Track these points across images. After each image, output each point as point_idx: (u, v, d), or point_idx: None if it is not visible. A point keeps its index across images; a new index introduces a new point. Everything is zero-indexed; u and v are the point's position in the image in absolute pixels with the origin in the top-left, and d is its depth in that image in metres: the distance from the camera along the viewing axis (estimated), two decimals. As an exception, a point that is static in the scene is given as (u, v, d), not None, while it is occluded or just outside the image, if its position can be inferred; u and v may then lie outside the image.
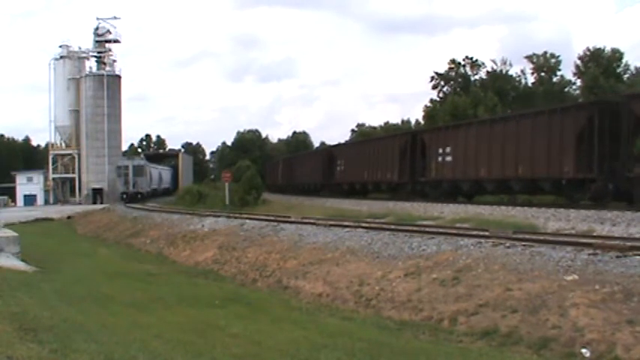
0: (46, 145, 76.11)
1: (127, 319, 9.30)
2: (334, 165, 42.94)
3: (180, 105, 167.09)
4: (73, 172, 66.77)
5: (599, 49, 59.56)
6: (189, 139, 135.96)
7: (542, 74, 63.71)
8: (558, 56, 64.16)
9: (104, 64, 66.51)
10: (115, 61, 67.45)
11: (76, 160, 66.30)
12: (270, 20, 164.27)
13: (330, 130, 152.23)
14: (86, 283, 14.06)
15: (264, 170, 67.80)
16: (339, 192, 40.58)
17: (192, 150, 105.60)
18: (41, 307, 8.78)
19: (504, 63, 64.51)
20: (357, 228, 16.92)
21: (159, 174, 69.10)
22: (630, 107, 19.86)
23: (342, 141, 73.48)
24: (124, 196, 56.44)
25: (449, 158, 28.30)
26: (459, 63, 65.46)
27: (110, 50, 67.67)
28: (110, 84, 65.19)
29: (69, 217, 45.95)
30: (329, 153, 46.35)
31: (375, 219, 21.24)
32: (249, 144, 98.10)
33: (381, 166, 34.78)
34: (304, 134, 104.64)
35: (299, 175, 52.14)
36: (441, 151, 28.99)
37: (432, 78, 66.27)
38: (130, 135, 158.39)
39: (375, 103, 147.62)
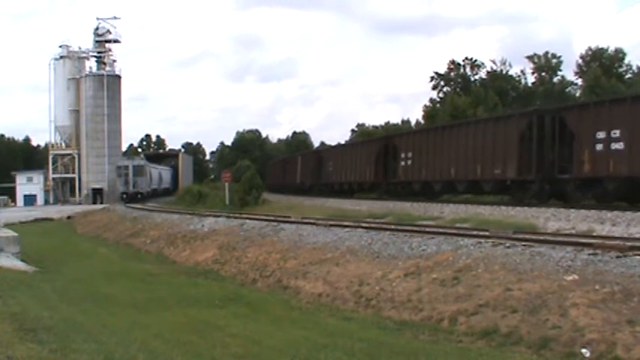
0: (46, 145, 76.11)
1: (127, 319, 9.30)
2: (324, 166, 45.36)
3: (180, 105, 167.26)
4: (73, 172, 66.75)
5: (602, 48, 59.66)
6: (189, 139, 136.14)
7: (543, 74, 63.78)
8: (559, 56, 64.34)
9: (104, 64, 66.49)
10: (115, 61, 67.47)
11: (76, 160, 66.28)
12: (271, 20, 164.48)
13: (331, 130, 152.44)
14: (86, 283, 14.08)
15: (264, 170, 67.87)
16: (329, 191, 42.80)
17: (192, 150, 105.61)
18: (41, 307, 8.79)
19: (504, 63, 64.64)
20: (357, 228, 16.91)
21: (159, 174, 69.08)
22: (561, 116, 21.88)
23: (342, 141, 73.68)
24: (124, 196, 56.42)
25: (410, 162, 31.49)
26: (459, 64, 65.55)
27: (110, 50, 67.65)
28: (110, 84, 65.17)
29: (69, 217, 45.95)
30: (318, 155, 49.33)
31: (375, 219, 21.23)
32: (248, 144, 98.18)
33: (360, 168, 37.87)
34: (304, 134, 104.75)
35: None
36: (403, 155, 32.19)
37: (432, 78, 66.42)
38: (130, 135, 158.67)
39: (375, 103, 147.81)
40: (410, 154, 31.40)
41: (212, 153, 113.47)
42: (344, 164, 40.66)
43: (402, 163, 32.20)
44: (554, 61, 63.95)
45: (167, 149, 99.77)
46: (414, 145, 31.29)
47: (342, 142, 70.04)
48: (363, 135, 71.40)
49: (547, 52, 64.51)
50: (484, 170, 25.16)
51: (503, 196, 25.92)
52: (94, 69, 67.14)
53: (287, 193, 50.95)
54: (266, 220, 22.30)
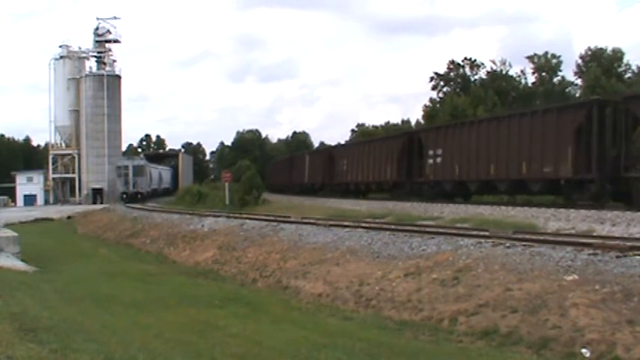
0: (46, 145, 76.12)
1: (127, 319, 9.31)
2: (337, 165, 42.44)
3: (180, 105, 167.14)
4: (73, 172, 66.76)
5: (601, 49, 59.66)
6: (189, 139, 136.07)
7: (543, 74, 63.78)
8: (559, 56, 64.30)
9: (104, 64, 66.51)
10: (115, 61, 67.50)
11: (76, 160, 66.29)
12: (272, 21, 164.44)
13: (331, 130, 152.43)
14: (86, 283, 14.08)
15: (265, 170, 67.80)
16: (342, 192, 40.38)
17: (193, 150, 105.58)
18: (41, 307, 8.79)
19: (504, 63, 64.64)
20: (357, 228, 16.91)
21: (159, 174, 69.07)
22: (628, 107, 19.79)
23: (342, 141, 73.44)
24: (124, 196, 56.41)
25: (439, 159, 28.63)
26: (459, 64, 65.54)
27: (110, 50, 67.66)
28: (110, 84, 65.19)
29: (69, 217, 45.96)
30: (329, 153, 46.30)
31: (375, 219, 21.23)
32: (248, 144, 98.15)
33: (379, 167, 34.86)
34: (304, 134, 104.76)
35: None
36: (431, 152, 29.33)
37: (432, 78, 66.39)
38: (130, 135, 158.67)
39: (375, 103, 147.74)
40: (439, 151, 28.47)
41: (212, 153, 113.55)
42: (360, 163, 37.57)
43: (430, 160, 29.14)
44: (554, 61, 63.95)
45: (167, 149, 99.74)
46: (445, 141, 28.23)
47: (346, 140, 69.82)
48: (363, 135, 71.13)
49: (547, 53, 64.53)
50: (531, 168, 22.48)
51: (555, 197, 23.52)
52: (94, 69, 67.16)
53: (293, 194, 49.05)
54: (266, 220, 22.30)
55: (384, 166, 34.10)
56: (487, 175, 24.98)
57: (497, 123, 25.34)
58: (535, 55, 64.68)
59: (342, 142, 67.90)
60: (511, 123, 24.17)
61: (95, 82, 64.92)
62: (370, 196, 37.47)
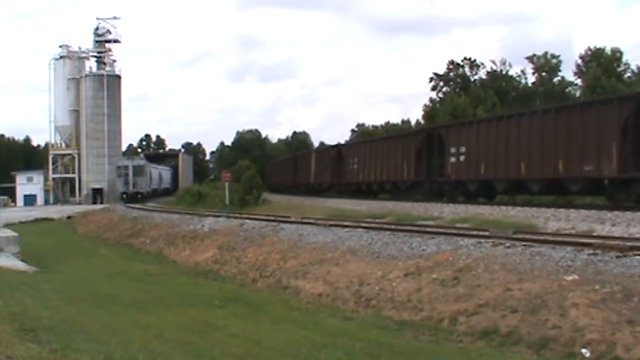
0: (46, 145, 76.13)
1: (127, 319, 9.31)
2: (346, 164, 39.86)
3: (180, 105, 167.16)
4: (73, 172, 66.77)
5: (600, 49, 59.69)
6: (189, 139, 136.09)
7: (543, 74, 63.81)
8: (558, 56, 64.34)
9: (104, 64, 66.51)
10: (115, 61, 67.52)
11: (76, 160, 66.29)
12: (272, 21, 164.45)
13: (331, 130, 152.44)
14: (86, 283, 14.08)
15: (265, 170, 67.73)
16: (353, 192, 38.13)
17: (193, 150, 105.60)
18: (41, 307, 8.78)
19: (504, 63, 64.66)
20: (357, 228, 16.91)
21: (159, 174, 69.07)
22: None
23: (342, 141, 73.09)
24: (124, 196, 56.40)
25: (462, 157, 26.69)
26: (458, 64, 65.53)
27: (110, 50, 67.67)
28: (110, 84, 65.20)
29: (69, 217, 45.96)
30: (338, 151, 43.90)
31: (375, 219, 21.22)
32: (248, 144, 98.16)
33: (394, 166, 32.62)
34: (304, 134, 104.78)
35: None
36: (453, 150, 27.31)
37: (431, 79, 66.37)
38: (130, 135, 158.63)
39: (375, 103, 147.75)
40: (463, 149, 26.33)
41: (212, 153, 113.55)
42: (373, 161, 35.16)
43: (452, 158, 26.98)
44: (554, 61, 63.98)
45: (167, 149, 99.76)
46: (468, 138, 26.18)
47: (346, 140, 69.11)
48: (363, 135, 70.91)
49: (546, 53, 64.58)
50: (569, 166, 20.60)
51: (597, 197, 22.22)
52: (94, 69, 67.17)
53: (297, 194, 47.13)
54: (266, 220, 22.30)
55: (400, 164, 31.88)
56: (518, 174, 23.13)
57: (529, 118, 23.38)
58: (534, 55, 64.75)
59: (345, 141, 67.19)
60: (545, 118, 22.29)
61: (95, 82, 64.93)
62: (382, 196, 35.54)
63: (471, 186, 26.08)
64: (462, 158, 26.40)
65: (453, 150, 27.01)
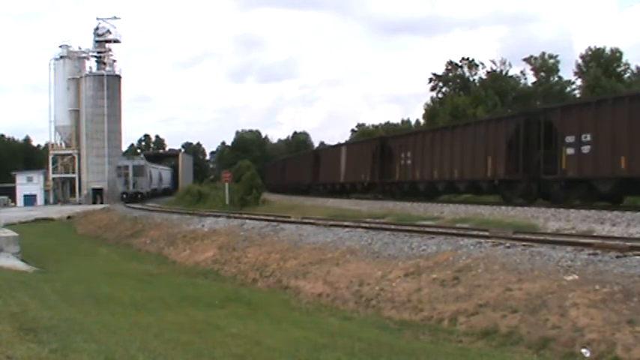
0: (46, 145, 76.15)
1: (127, 319, 9.29)
2: (395, 159, 33.95)
3: (181, 105, 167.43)
4: (73, 172, 66.79)
5: (600, 49, 59.69)
6: (189, 139, 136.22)
7: (543, 74, 63.81)
8: (556, 56, 64.33)
9: (104, 64, 66.53)
10: (115, 61, 67.58)
11: (76, 160, 66.32)
12: (272, 21, 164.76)
13: (331, 130, 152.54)
14: (86, 283, 14.07)
15: (264, 170, 67.60)
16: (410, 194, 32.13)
17: (193, 150, 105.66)
18: (41, 307, 8.78)
19: (504, 63, 64.66)
20: (357, 228, 16.90)
21: (159, 174, 69.09)
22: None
23: (342, 141, 72.85)
24: (124, 196, 56.43)
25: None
26: (457, 64, 65.49)
27: (110, 50, 67.73)
28: (110, 84, 65.23)
29: (69, 217, 45.96)
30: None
31: (374, 219, 21.22)
32: (248, 144, 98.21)
33: (470, 160, 26.71)
34: (305, 134, 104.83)
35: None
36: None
37: (430, 79, 66.32)
38: (130, 135, 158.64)
39: (375, 103, 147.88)
40: (587, 137, 20.04)
41: (212, 153, 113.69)
42: (437, 155, 28.94)
43: (571, 150, 20.72)
44: (552, 61, 63.97)
45: (167, 149, 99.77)
46: (596, 121, 19.75)
47: (346, 140, 67.93)
48: (363, 135, 70.11)
49: (544, 53, 64.58)
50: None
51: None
52: (94, 69, 67.20)
53: (323, 196, 40.73)
54: (266, 220, 22.29)
55: (483, 158, 25.53)
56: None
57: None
58: (532, 57, 64.78)
59: (388, 133, 53.33)
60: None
61: (95, 82, 64.94)
62: (464, 198, 29.56)
63: (603, 186, 19.99)
64: (585, 149, 20.22)
65: (569, 139, 20.81)
